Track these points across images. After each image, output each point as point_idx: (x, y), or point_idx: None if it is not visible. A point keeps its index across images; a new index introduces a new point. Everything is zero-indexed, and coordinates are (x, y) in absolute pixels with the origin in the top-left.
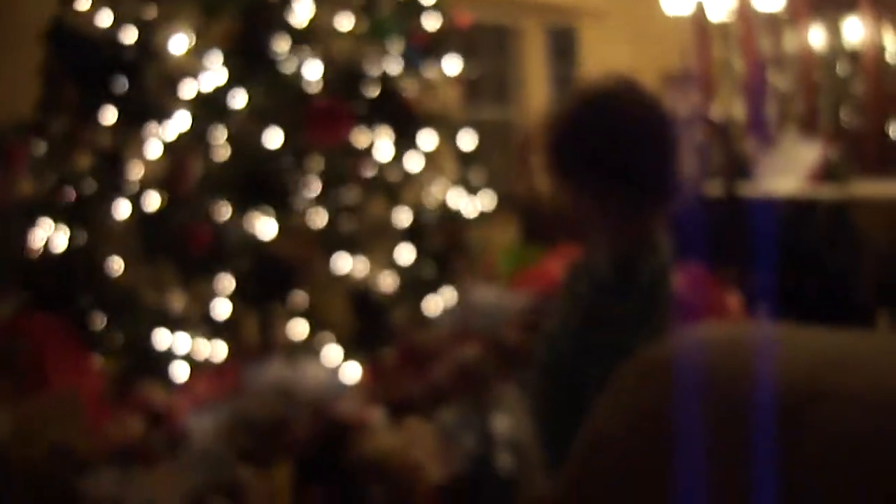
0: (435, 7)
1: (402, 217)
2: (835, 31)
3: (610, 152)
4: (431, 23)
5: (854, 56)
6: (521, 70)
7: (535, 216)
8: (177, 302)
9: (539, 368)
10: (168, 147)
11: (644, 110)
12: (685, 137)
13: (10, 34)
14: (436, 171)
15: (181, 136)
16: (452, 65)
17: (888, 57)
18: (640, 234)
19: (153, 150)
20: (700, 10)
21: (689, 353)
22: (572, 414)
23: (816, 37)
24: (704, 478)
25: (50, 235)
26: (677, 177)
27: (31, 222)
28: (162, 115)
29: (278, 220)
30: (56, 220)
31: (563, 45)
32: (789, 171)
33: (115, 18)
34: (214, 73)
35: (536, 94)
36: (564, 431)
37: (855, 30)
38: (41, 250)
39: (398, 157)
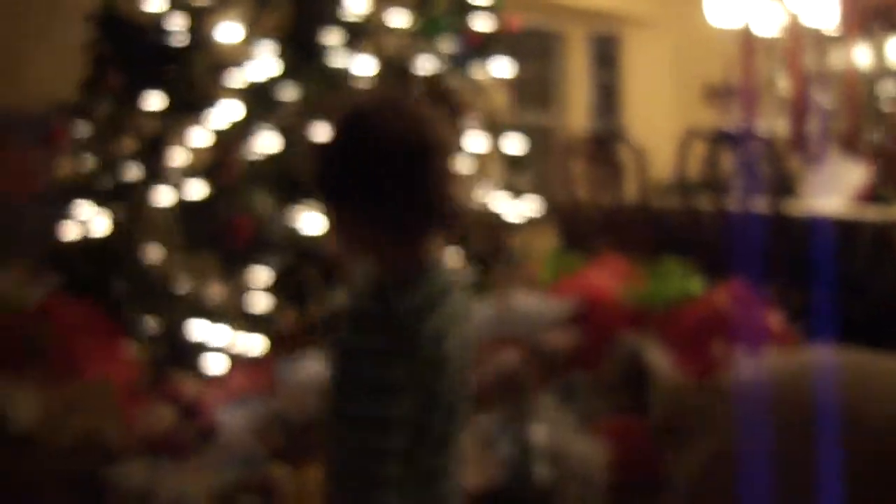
0: (486, 8)
1: None
2: (880, 51)
3: (359, 176)
4: (482, 24)
5: None
6: (563, 76)
7: (575, 223)
8: (214, 293)
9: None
10: (215, 136)
11: (399, 131)
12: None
13: (54, 16)
14: (482, 173)
15: (229, 126)
16: (501, 67)
17: None
18: (403, 262)
19: (199, 138)
20: (748, 23)
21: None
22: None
23: (862, 55)
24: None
25: (88, 219)
26: (444, 202)
27: (69, 205)
28: (209, 103)
29: (322, 215)
30: (95, 204)
31: (606, 53)
32: (835, 190)
33: (166, 4)
34: (264, 63)
35: (578, 100)
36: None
37: None
38: (78, 233)
39: None
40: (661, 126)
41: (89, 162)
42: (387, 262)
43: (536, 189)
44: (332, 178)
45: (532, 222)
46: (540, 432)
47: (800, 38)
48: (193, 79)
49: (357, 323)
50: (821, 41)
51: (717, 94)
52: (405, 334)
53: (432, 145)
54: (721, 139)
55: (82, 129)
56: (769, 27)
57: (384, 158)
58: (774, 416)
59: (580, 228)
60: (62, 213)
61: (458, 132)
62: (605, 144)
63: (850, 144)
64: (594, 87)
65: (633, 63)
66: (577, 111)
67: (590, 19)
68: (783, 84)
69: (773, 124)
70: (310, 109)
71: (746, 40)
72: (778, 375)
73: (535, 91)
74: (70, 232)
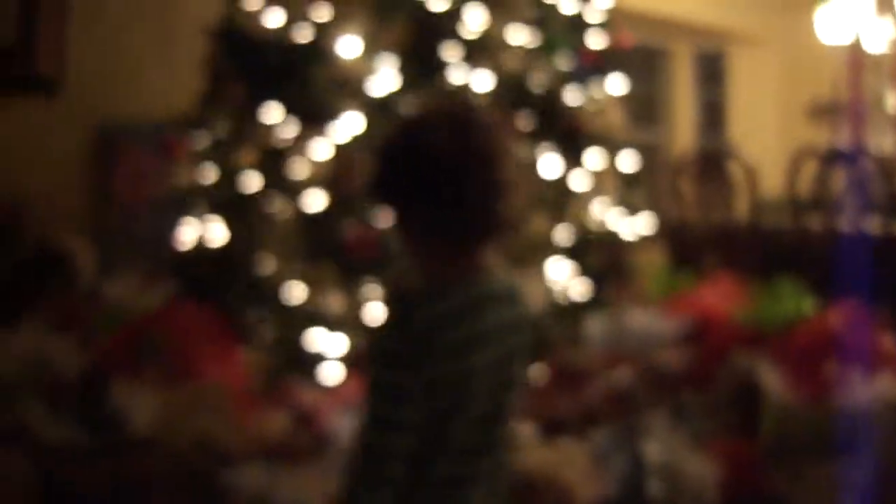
0: (601, 25)
1: (563, 234)
2: None
3: (410, 179)
4: (597, 41)
5: None
6: (668, 93)
7: (684, 241)
8: (333, 303)
9: None
10: (336, 148)
11: (449, 139)
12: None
13: (173, 29)
14: (599, 190)
15: (349, 139)
16: (616, 84)
17: None
18: (443, 270)
19: (319, 150)
20: (858, 39)
21: None
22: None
23: None
24: None
25: (206, 228)
26: (494, 213)
27: (187, 214)
28: (329, 116)
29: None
30: (214, 213)
31: (713, 70)
32: None
33: (286, 19)
34: (384, 77)
35: (683, 117)
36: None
37: None
38: (196, 242)
39: (563, 175)
40: (766, 144)
41: (209, 172)
42: (428, 267)
43: (647, 206)
44: (387, 180)
45: (644, 240)
46: (652, 449)
47: None
48: (314, 92)
49: (380, 325)
50: None
51: (825, 112)
52: (419, 342)
53: (483, 155)
54: (833, 157)
55: (201, 140)
56: (878, 43)
57: (433, 164)
58: None
59: (689, 246)
60: (180, 221)
61: (513, 143)
62: (714, 161)
63: None
64: (700, 104)
65: (739, 80)
66: (682, 128)
67: (696, 36)
68: (892, 101)
69: (881, 142)
70: None
71: (855, 57)
72: None
73: (641, 108)
74: (188, 240)
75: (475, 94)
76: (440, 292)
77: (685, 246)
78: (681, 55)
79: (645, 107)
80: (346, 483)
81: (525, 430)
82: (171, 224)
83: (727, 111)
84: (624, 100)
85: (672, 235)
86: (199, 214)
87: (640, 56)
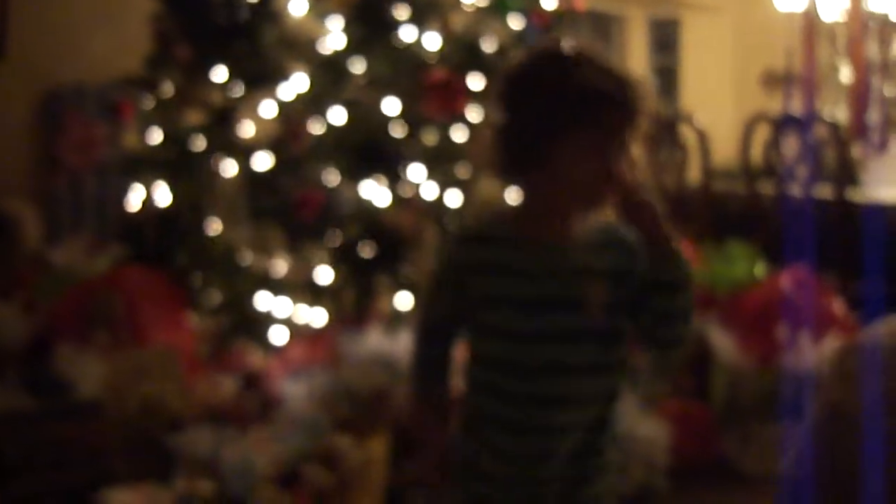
0: None
1: (511, 196)
2: None
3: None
4: (550, 2)
5: None
6: (622, 59)
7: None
8: (280, 265)
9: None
10: (283, 109)
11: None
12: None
13: None
14: None
15: (297, 99)
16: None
17: None
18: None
19: (266, 110)
20: (813, 7)
21: None
22: None
23: None
24: None
25: (153, 191)
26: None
27: (134, 177)
28: (277, 76)
29: (389, 189)
30: (160, 176)
31: (667, 37)
32: None
33: None
34: (332, 37)
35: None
36: None
37: None
38: (143, 205)
39: None
40: (720, 111)
41: (155, 134)
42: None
43: None
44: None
45: None
46: None
47: (863, 24)
48: (261, 52)
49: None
50: (885, 28)
51: (778, 80)
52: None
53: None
54: (786, 124)
55: (148, 101)
56: (832, 12)
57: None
58: (886, 368)
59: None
60: (128, 185)
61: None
62: (666, 127)
63: None
64: (654, 71)
65: (693, 47)
66: None
67: (650, 2)
68: (845, 71)
69: (834, 112)
70: (378, 84)
71: (808, 25)
72: (880, 333)
73: None
74: (135, 203)
75: (425, 54)
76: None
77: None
78: (635, 21)
79: None
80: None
81: None
82: (118, 188)
83: (681, 78)
84: None
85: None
86: (146, 177)
87: (594, 22)
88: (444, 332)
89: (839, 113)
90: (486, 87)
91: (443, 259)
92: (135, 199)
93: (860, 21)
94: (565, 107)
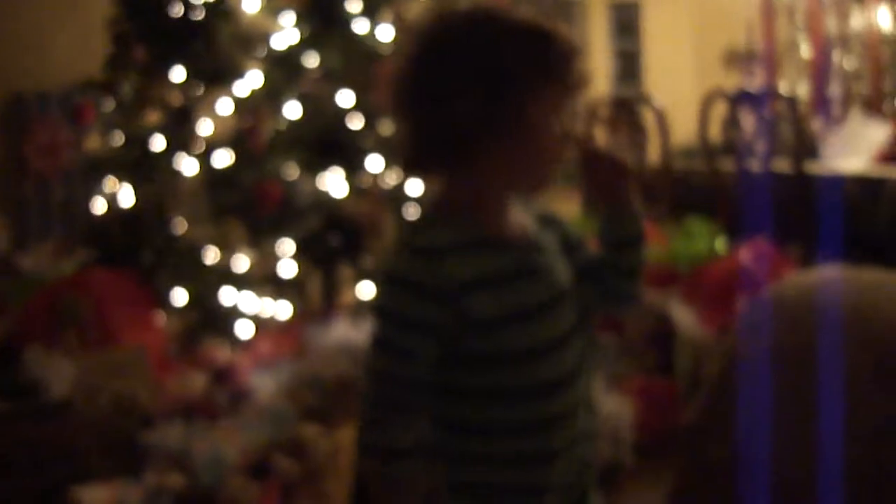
0: None
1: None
2: None
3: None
4: None
5: None
6: (584, 43)
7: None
8: (243, 260)
9: None
10: (239, 105)
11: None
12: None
13: None
14: None
15: (253, 95)
16: None
17: None
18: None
19: (224, 108)
20: None
21: (827, 292)
22: None
23: (884, 17)
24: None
25: (117, 192)
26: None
27: (98, 179)
28: (234, 73)
29: (348, 180)
30: (123, 177)
31: (628, 20)
32: (856, 150)
33: None
34: (287, 33)
35: (599, 67)
36: None
37: None
38: (108, 207)
39: None
40: (682, 92)
41: (117, 136)
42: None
43: None
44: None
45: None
46: None
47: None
48: (217, 50)
49: None
50: (842, 3)
51: (739, 59)
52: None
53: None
54: (742, 99)
55: (109, 104)
56: None
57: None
58: (778, 320)
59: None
60: (92, 187)
61: None
62: (626, 107)
63: (873, 106)
64: (616, 55)
65: (654, 29)
66: (598, 78)
67: None
68: (805, 47)
69: (796, 88)
70: (333, 76)
71: (767, 3)
72: (784, 286)
73: None
74: (100, 206)
75: (379, 46)
76: (442, 221)
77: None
78: (596, 6)
79: None
80: None
81: None
82: (83, 191)
83: (643, 61)
84: None
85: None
86: (110, 179)
87: (555, 7)
88: (425, 401)
89: (801, 88)
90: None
91: (410, 294)
92: (99, 201)
93: None
94: (509, 74)
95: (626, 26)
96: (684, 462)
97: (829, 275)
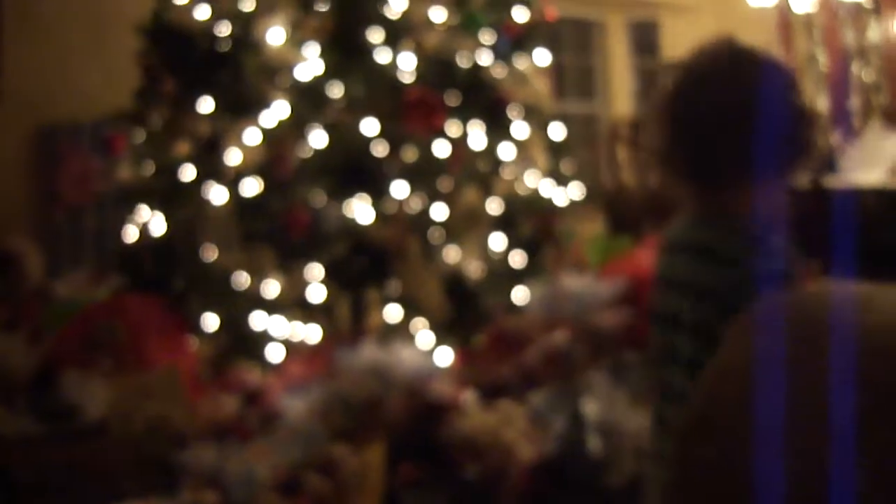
0: (524, 1)
1: (494, 206)
2: None
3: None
4: (521, 16)
5: None
6: (604, 64)
7: (622, 208)
8: (273, 286)
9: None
10: (266, 135)
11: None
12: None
13: (106, 29)
14: (527, 161)
15: (280, 125)
16: (541, 57)
17: None
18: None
19: (251, 137)
20: (784, 1)
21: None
22: None
23: None
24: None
25: (148, 221)
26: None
27: (129, 208)
28: (260, 104)
29: (374, 206)
30: (154, 206)
31: (647, 39)
32: (875, 163)
33: (212, 12)
34: (311, 64)
35: (620, 87)
36: None
37: None
38: (140, 235)
39: (491, 148)
40: None
41: (147, 166)
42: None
43: (583, 175)
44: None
45: (577, 207)
46: (592, 407)
47: (836, 13)
48: (243, 81)
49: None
50: (859, 16)
51: None
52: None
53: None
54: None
55: (139, 135)
56: (805, 4)
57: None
58: (788, 331)
59: (626, 212)
60: (124, 216)
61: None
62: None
63: (892, 118)
64: (637, 74)
65: (673, 47)
66: (620, 98)
67: (629, 7)
68: (823, 60)
69: (815, 101)
70: (357, 106)
71: (784, 19)
72: (792, 297)
73: (580, 80)
74: (132, 234)
75: (401, 74)
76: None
77: (623, 212)
78: (615, 26)
79: (583, 79)
80: None
81: (465, 396)
82: (115, 220)
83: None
84: (551, 71)
85: (610, 202)
86: (140, 208)
87: (575, 29)
88: None
89: (820, 101)
90: (463, 102)
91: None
92: (131, 229)
93: (833, 10)
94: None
95: (647, 45)
96: (673, 463)
97: (843, 287)
